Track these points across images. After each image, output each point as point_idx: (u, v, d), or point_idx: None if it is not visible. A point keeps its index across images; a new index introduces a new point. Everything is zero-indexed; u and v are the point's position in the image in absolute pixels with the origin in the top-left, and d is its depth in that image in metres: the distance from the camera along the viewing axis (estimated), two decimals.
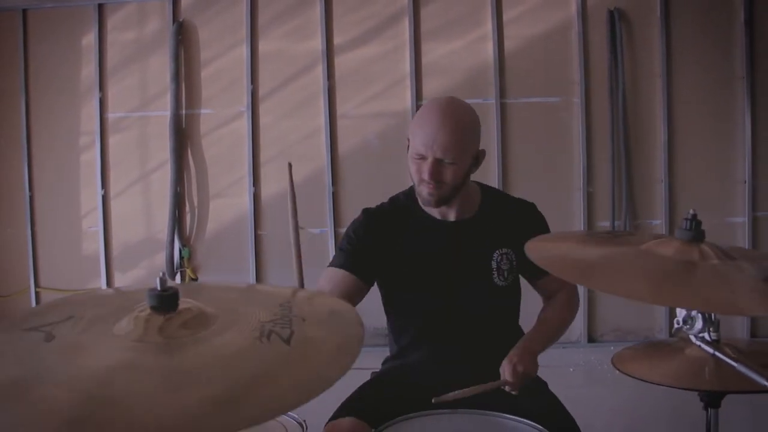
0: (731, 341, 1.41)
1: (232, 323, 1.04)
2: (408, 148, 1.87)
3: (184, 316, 1.02)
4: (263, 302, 1.16)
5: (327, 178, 4.52)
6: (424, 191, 1.83)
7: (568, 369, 4.05)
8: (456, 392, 1.64)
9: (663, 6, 4.37)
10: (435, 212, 1.93)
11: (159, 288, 1.02)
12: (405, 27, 4.49)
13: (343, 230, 2.23)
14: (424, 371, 1.89)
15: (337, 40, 4.55)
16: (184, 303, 1.04)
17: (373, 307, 2.01)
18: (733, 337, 1.54)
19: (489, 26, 4.45)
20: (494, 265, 1.90)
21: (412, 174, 1.85)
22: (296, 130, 4.55)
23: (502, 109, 4.45)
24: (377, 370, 2.02)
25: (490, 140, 4.34)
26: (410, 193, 1.98)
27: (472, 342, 1.90)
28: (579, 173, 4.46)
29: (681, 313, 1.32)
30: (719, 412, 1.46)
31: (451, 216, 1.92)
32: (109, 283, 4.72)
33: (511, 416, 1.54)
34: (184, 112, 4.63)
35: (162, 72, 4.59)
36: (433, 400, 1.60)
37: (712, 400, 1.45)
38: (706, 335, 1.24)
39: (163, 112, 4.61)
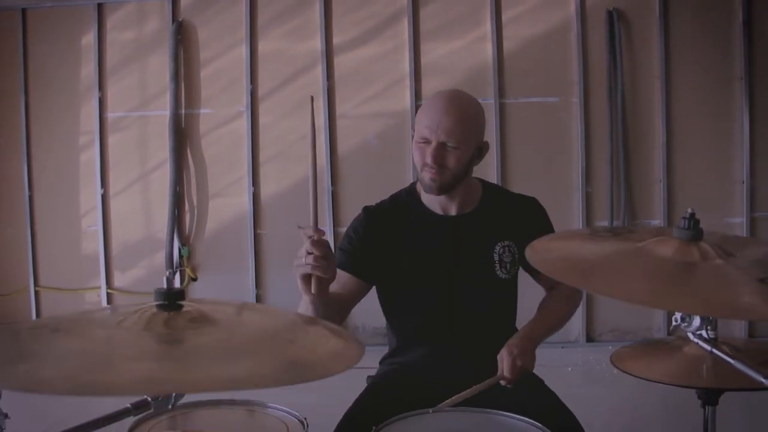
0: (729, 340, 1.41)
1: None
2: (413, 139, 1.87)
3: (189, 315, 1.05)
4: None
5: (326, 178, 4.53)
6: (426, 176, 1.83)
7: (567, 369, 4.06)
8: (454, 398, 1.65)
9: (662, 6, 4.38)
10: (436, 207, 1.93)
11: (165, 286, 1.06)
12: (404, 27, 4.49)
13: (342, 230, 2.23)
14: (424, 370, 1.90)
15: (336, 40, 4.55)
16: (187, 305, 1.08)
17: (372, 306, 2.02)
18: (730, 336, 1.55)
19: (488, 26, 4.46)
20: (496, 257, 1.91)
21: (416, 160, 1.86)
22: (296, 130, 4.55)
23: (501, 109, 4.46)
24: (373, 374, 2.01)
25: (489, 140, 4.33)
26: (411, 190, 1.99)
27: (473, 339, 1.90)
28: (578, 173, 4.47)
29: None
30: (717, 410, 1.47)
31: (453, 210, 1.93)
32: (108, 282, 4.73)
33: (510, 414, 1.55)
34: (183, 111, 4.64)
35: (161, 72, 4.59)
36: (430, 411, 1.60)
37: (709, 397, 1.46)
38: (703, 332, 1.24)
39: (162, 112, 4.62)
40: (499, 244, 1.92)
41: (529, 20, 4.47)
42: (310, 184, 1.50)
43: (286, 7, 4.58)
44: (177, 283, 4.67)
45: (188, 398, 1.12)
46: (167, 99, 4.57)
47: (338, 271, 1.83)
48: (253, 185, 4.61)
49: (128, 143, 4.72)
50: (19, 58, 4.67)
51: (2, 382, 0.91)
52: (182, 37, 4.61)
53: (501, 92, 4.46)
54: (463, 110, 1.83)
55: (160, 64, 4.61)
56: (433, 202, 1.93)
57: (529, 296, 2.06)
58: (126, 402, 1.06)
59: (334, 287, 1.66)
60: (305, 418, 1.50)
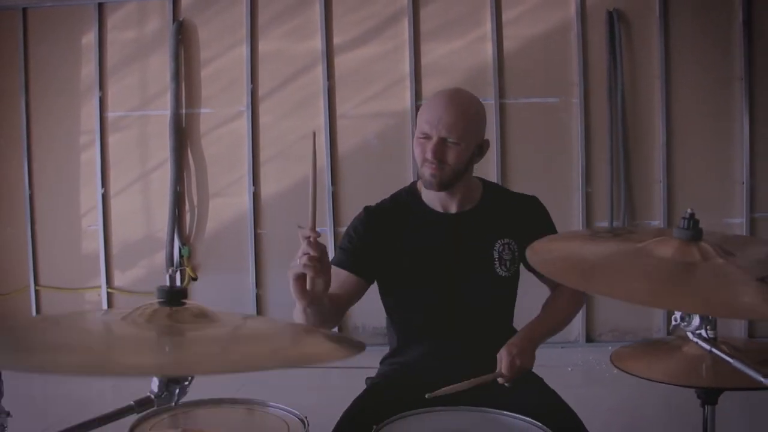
0: (728, 339, 1.42)
1: None
2: (414, 136, 1.88)
3: (191, 311, 1.06)
4: None
5: (326, 178, 4.53)
6: (426, 172, 1.84)
7: (567, 369, 4.07)
8: (450, 387, 1.66)
9: (662, 7, 4.38)
10: (437, 204, 1.94)
11: (168, 283, 1.08)
12: (405, 27, 4.50)
13: (342, 230, 2.23)
14: (424, 368, 1.90)
15: (336, 40, 4.56)
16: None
17: (372, 306, 2.02)
18: (730, 336, 1.56)
19: (488, 26, 4.47)
20: (496, 255, 1.91)
21: (417, 155, 1.86)
22: (296, 130, 4.56)
23: (502, 109, 4.47)
24: (372, 375, 2.02)
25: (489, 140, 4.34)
26: (412, 189, 1.99)
27: (473, 337, 1.91)
28: (578, 173, 4.47)
29: None
30: (716, 409, 1.48)
31: (453, 208, 1.94)
32: (108, 281, 4.73)
33: (511, 413, 1.55)
34: (184, 111, 4.64)
35: (162, 71, 4.60)
36: (426, 396, 1.62)
37: (709, 397, 1.47)
38: (703, 332, 1.25)
39: (163, 112, 4.62)
40: (499, 241, 1.92)
41: (529, 20, 4.47)
42: (309, 194, 1.50)
43: (287, 7, 4.58)
44: (177, 283, 4.68)
45: (190, 397, 1.12)
46: (168, 99, 4.58)
47: (337, 269, 1.84)
48: (254, 185, 4.62)
49: (129, 143, 4.72)
50: (20, 57, 4.67)
51: (22, 364, 0.93)
52: (183, 36, 4.61)
53: (501, 92, 4.46)
54: (464, 107, 1.84)
55: (160, 64, 4.61)
56: (433, 199, 1.93)
57: (531, 296, 2.06)
58: (129, 400, 1.06)
59: (332, 286, 1.66)
60: (306, 417, 1.50)
